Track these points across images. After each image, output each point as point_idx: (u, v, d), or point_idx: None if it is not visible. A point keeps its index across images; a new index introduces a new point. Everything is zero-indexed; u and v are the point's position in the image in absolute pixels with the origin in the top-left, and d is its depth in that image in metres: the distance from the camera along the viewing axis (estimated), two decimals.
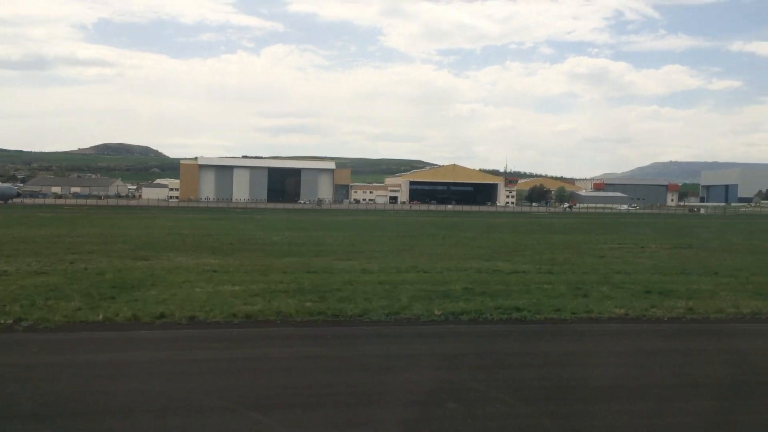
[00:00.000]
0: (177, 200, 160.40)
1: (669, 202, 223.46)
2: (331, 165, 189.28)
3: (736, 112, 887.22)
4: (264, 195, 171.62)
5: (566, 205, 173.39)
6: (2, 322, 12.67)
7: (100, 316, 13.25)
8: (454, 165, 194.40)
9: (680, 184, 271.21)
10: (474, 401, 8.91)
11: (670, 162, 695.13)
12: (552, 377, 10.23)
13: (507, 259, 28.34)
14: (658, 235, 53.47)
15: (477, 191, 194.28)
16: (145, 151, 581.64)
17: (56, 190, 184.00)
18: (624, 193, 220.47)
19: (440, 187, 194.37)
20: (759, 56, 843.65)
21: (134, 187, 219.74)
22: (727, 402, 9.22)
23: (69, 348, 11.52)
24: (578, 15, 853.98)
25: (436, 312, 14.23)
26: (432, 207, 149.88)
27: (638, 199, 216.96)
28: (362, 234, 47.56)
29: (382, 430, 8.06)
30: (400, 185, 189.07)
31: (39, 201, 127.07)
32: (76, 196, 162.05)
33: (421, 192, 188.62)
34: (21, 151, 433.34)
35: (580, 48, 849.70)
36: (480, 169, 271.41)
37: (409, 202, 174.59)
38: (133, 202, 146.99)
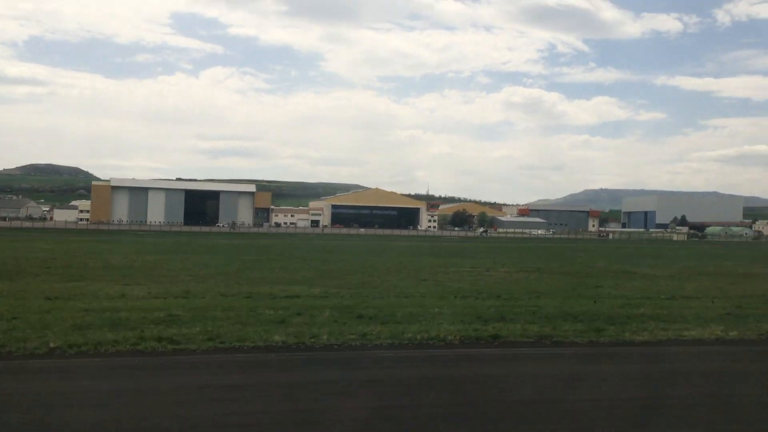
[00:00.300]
0: (87, 222, 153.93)
1: (590, 228, 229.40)
2: (252, 188, 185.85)
3: (661, 142, 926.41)
4: (180, 218, 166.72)
5: (482, 229, 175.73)
6: None
7: None
8: (377, 189, 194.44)
9: (600, 211, 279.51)
10: None
11: (601, 189, 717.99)
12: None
13: (318, 284, 27.05)
14: (535, 259, 53.58)
15: (401, 215, 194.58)
16: (75, 172, 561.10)
17: None
18: (548, 219, 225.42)
19: (365, 211, 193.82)
20: (682, 90, 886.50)
21: (48, 208, 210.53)
22: None
23: None
24: (513, 46, 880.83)
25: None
26: (353, 231, 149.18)
27: (561, 224, 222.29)
28: (215, 258, 45.55)
29: None
30: (322, 209, 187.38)
31: None
32: None
33: (345, 216, 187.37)
34: None
35: (515, 78, 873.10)
36: (415, 194, 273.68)
37: (331, 226, 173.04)
38: (38, 225, 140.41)
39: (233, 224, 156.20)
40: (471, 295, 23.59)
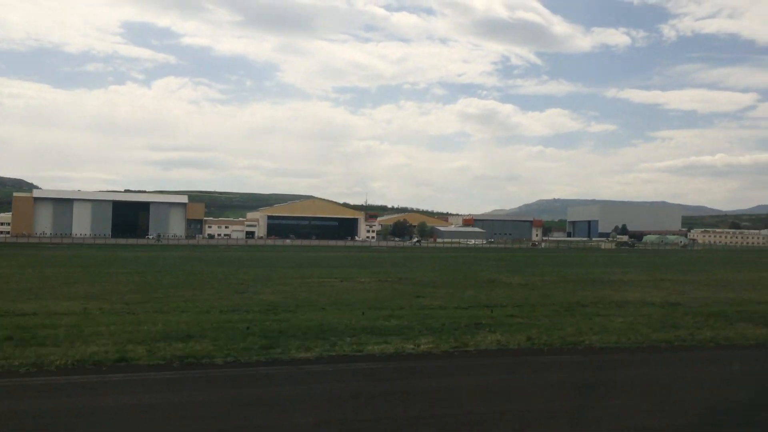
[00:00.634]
0: (7, 235, 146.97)
1: (534, 237, 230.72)
2: (184, 199, 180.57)
3: (612, 153, 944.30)
4: (108, 230, 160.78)
5: (416, 239, 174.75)
6: None
7: None
8: (313, 199, 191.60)
9: (543, 221, 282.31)
10: None
11: (554, 199, 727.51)
12: None
13: (100, 298, 24.78)
14: (425, 269, 51.89)
15: (342, 226, 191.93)
16: (19, 183, 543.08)
17: None
18: (492, 229, 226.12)
19: (302, 222, 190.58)
20: (631, 103, 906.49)
21: None
22: None
23: None
24: (468, 59, 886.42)
25: None
26: (278, 242, 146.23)
27: (505, 234, 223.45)
28: (93, 269, 42.46)
29: None
30: (258, 220, 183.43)
31: None
32: None
33: (282, 227, 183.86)
34: None
35: (470, 90, 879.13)
36: (368, 205, 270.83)
37: (266, 237, 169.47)
38: None
39: (158, 236, 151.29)
40: (239, 310, 21.49)
